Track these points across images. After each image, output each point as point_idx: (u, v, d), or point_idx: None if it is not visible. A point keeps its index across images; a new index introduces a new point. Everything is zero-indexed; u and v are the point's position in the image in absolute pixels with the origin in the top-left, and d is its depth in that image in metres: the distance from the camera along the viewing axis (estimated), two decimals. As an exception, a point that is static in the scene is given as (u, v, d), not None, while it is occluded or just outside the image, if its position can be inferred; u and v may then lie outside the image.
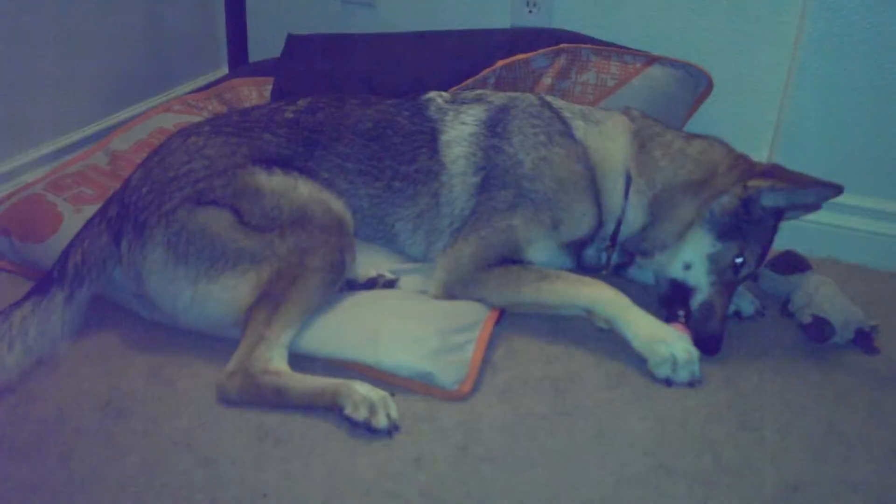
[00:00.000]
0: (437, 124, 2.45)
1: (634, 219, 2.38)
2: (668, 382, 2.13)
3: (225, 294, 2.12)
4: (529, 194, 2.34)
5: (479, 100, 2.52)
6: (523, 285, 2.28)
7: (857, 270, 2.75)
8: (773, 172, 2.27)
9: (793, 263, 2.53)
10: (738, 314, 2.45)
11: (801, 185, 2.23)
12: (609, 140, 2.42)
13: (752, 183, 2.24)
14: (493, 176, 2.38)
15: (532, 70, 2.98)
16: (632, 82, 2.92)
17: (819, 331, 2.28)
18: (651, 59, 2.96)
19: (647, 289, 2.48)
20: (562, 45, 2.97)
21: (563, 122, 2.44)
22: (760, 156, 2.88)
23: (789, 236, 2.76)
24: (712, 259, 2.28)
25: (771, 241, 2.36)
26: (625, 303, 2.22)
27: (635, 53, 2.98)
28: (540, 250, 2.37)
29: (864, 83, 2.66)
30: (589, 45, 2.99)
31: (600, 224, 2.40)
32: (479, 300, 2.30)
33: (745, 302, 2.45)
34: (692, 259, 2.30)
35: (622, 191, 2.38)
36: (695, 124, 3.04)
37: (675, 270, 2.33)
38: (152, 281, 2.15)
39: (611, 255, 2.44)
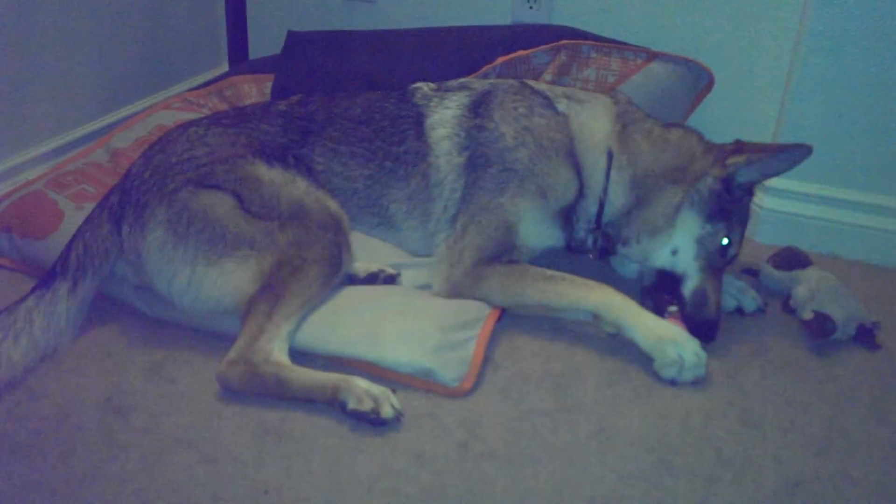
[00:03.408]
0: (422, 109, 2.52)
1: (616, 198, 2.39)
2: (672, 382, 2.13)
3: (222, 279, 2.12)
4: (514, 165, 2.37)
5: (462, 87, 2.58)
6: (528, 286, 2.28)
7: (859, 266, 2.75)
8: (741, 148, 2.29)
9: (794, 259, 2.53)
10: (740, 310, 2.45)
11: (772, 153, 2.25)
12: (592, 117, 2.46)
13: (730, 161, 2.27)
14: (477, 155, 2.41)
15: (532, 66, 2.98)
16: (632, 78, 2.92)
17: (820, 327, 2.28)
18: (652, 56, 2.96)
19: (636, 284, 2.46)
20: (562, 42, 2.98)
21: (545, 98, 2.49)
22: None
23: (790, 232, 2.76)
24: (701, 242, 2.29)
25: (748, 220, 2.40)
26: (632, 306, 2.21)
27: (636, 50, 2.98)
28: (532, 224, 2.38)
29: (865, 79, 2.66)
30: (589, 42, 2.99)
31: (582, 191, 2.41)
32: (484, 300, 2.29)
33: (747, 298, 2.45)
34: (681, 244, 2.30)
35: (604, 167, 2.40)
36: (695, 120, 3.04)
37: (662, 258, 2.33)
38: (151, 262, 2.15)
39: (597, 238, 2.45)
